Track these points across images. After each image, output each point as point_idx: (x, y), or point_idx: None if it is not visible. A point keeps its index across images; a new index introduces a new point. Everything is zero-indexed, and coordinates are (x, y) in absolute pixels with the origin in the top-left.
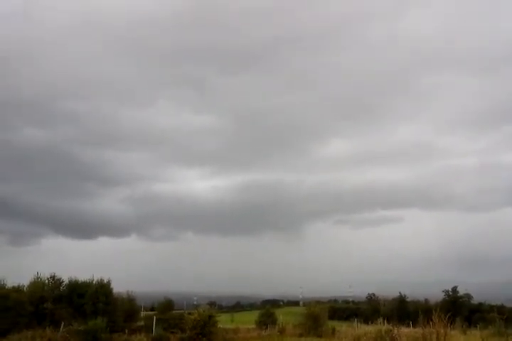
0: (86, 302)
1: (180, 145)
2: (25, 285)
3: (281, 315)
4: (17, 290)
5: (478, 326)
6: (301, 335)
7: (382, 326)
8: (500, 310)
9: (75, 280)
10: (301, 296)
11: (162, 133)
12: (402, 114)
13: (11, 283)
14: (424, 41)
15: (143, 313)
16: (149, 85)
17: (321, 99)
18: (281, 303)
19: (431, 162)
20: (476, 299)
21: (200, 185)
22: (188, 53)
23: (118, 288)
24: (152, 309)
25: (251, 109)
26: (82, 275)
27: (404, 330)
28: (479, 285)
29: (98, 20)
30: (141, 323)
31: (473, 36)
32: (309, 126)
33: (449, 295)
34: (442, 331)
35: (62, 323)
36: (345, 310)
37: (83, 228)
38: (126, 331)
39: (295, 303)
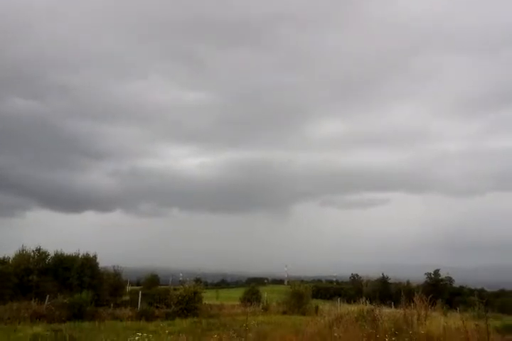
0: (72, 275)
1: (170, 121)
2: (11, 257)
3: (265, 293)
4: (2, 262)
5: (458, 309)
6: (284, 313)
7: (364, 306)
8: (481, 293)
9: (61, 254)
10: (286, 275)
11: (153, 108)
12: (394, 95)
13: None
14: (421, 22)
15: (128, 288)
16: (142, 59)
17: (315, 78)
18: (266, 281)
19: (421, 145)
20: (457, 283)
21: (188, 161)
22: (183, 27)
23: (104, 262)
24: (138, 284)
25: (244, 86)
26: (68, 249)
27: (386, 310)
28: (462, 270)
29: None
30: (127, 298)
31: (472, 17)
32: (302, 105)
33: (430, 278)
34: (423, 312)
35: (48, 296)
36: (328, 290)
37: (69, 201)
38: (112, 305)
39: (280, 282)
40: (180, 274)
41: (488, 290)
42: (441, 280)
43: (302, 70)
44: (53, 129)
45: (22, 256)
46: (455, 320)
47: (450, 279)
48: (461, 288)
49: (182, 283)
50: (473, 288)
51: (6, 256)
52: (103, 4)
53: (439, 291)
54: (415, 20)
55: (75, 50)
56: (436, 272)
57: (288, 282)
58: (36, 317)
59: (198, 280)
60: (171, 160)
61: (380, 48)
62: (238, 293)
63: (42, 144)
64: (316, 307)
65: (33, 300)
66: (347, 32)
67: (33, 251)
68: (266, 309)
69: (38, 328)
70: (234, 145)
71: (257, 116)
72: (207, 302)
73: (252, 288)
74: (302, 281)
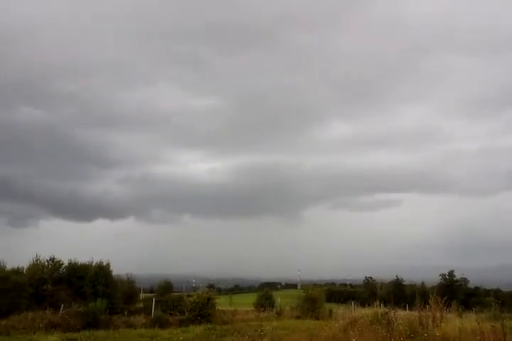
0: (85, 284)
1: (179, 127)
2: (25, 267)
3: (279, 298)
4: (17, 272)
5: (474, 310)
6: (298, 317)
7: (378, 309)
8: (497, 294)
9: (75, 263)
10: (299, 279)
11: (161, 115)
12: (403, 97)
13: (10, 264)
14: (428, 23)
15: (142, 295)
16: (149, 66)
17: (323, 80)
18: (280, 286)
19: (431, 146)
20: (472, 283)
21: (198, 167)
22: (188, 33)
23: (117, 270)
24: (151, 291)
25: (251, 90)
26: (81, 258)
27: (401, 313)
28: (476, 270)
29: None
30: (141, 305)
31: (477, 18)
32: (310, 107)
33: (445, 279)
34: (438, 314)
35: (62, 305)
36: (342, 293)
37: (81, 210)
38: (126, 313)
39: (293, 286)
40: (193, 280)
41: (504, 290)
42: (456, 281)
43: (310, 72)
44: (62, 138)
45: (36, 266)
46: (471, 321)
47: (465, 280)
48: (477, 288)
49: (195, 289)
50: (488, 288)
51: (21, 266)
52: (110, 10)
53: (454, 292)
54: (424, 20)
55: (82, 58)
56: (451, 273)
57: (301, 286)
58: (51, 327)
59: (211, 287)
60: (180, 166)
61: (387, 49)
62: (251, 298)
63: (51, 153)
64: (330, 311)
65: (48, 309)
66: (354, 33)
67: (47, 260)
68: (279, 314)
69: (53, 337)
70: (243, 150)
71: (266, 119)
72: (220, 308)
73: (266, 293)
74: (315, 285)
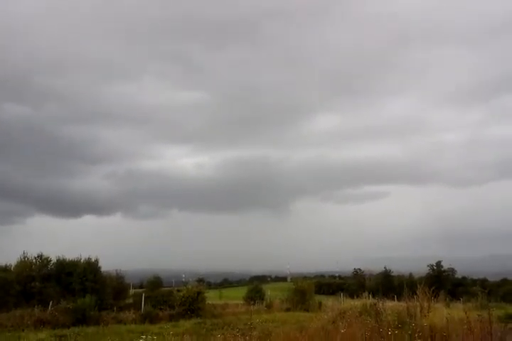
0: (74, 280)
1: (165, 122)
2: (13, 265)
3: (269, 291)
4: (4, 269)
5: (461, 299)
6: (288, 310)
7: (367, 300)
8: (483, 283)
9: (63, 259)
10: (288, 272)
11: (147, 110)
12: (390, 89)
13: None
14: (415, 13)
15: (132, 291)
16: (133, 61)
17: (310, 75)
18: (269, 279)
19: (418, 137)
20: (459, 273)
21: (185, 162)
22: (174, 27)
23: (106, 266)
24: (141, 287)
25: (238, 85)
26: (69, 254)
27: (389, 304)
28: (464, 260)
29: None
30: (130, 301)
31: (461, 10)
32: (297, 101)
33: (433, 270)
34: (426, 304)
35: (51, 302)
36: (331, 285)
37: (68, 206)
38: (115, 308)
39: (283, 279)
40: (183, 275)
41: (491, 280)
42: (444, 271)
43: (296, 67)
44: (48, 134)
45: (24, 263)
46: (458, 310)
47: (452, 270)
48: (464, 278)
49: (185, 284)
50: (475, 278)
51: (8, 264)
52: (92, 6)
53: (442, 282)
54: (410, 11)
55: (69, 54)
56: (439, 263)
57: (291, 279)
58: (40, 324)
59: (200, 281)
60: (167, 160)
61: (374, 41)
62: (241, 291)
63: (36, 149)
64: (320, 303)
65: (36, 306)
66: (341, 26)
67: (35, 257)
68: (269, 307)
69: (42, 334)
70: (230, 144)
71: (253, 114)
72: (210, 302)
73: (255, 286)
74: (305, 277)
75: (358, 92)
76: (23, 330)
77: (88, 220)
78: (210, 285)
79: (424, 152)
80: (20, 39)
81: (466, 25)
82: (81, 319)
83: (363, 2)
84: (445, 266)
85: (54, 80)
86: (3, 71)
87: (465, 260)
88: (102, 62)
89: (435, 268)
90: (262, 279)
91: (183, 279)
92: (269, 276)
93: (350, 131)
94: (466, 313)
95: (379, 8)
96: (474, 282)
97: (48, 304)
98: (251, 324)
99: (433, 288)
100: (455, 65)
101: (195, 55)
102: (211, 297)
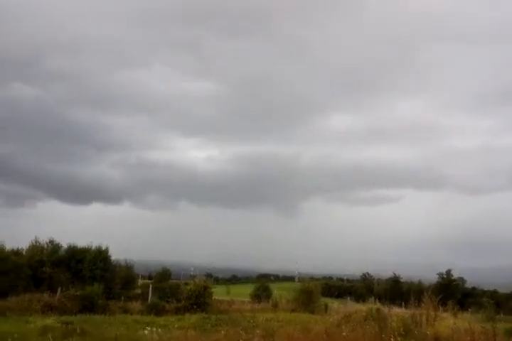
0: (84, 267)
1: (176, 112)
2: (24, 249)
3: (275, 290)
4: (16, 253)
5: (470, 310)
6: (293, 310)
7: (373, 305)
8: (493, 295)
9: (74, 246)
10: (296, 272)
11: (158, 98)
12: (403, 90)
13: (8, 245)
14: (429, 11)
15: (140, 281)
16: (145, 47)
17: (323, 70)
18: (277, 278)
19: (431, 141)
20: (470, 283)
21: (195, 154)
22: (187, 15)
23: (115, 255)
24: (150, 278)
25: (250, 76)
26: (78, 241)
27: (396, 310)
28: (474, 270)
29: None
30: (138, 291)
31: (485, 8)
32: (310, 97)
33: (442, 278)
34: (433, 312)
35: (60, 288)
36: (339, 288)
37: (76, 193)
38: (123, 298)
39: (291, 278)
40: (192, 268)
41: (501, 291)
42: (454, 280)
43: (310, 61)
44: (56, 117)
45: (35, 248)
46: (465, 321)
47: (462, 280)
48: (474, 289)
49: (193, 277)
50: (486, 289)
51: (20, 248)
52: None
53: (451, 292)
54: (425, 8)
55: (76, 35)
56: (449, 272)
57: (299, 279)
58: (48, 309)
59: (208, 276)
60: (177, 152)
61: (389, 40)
62: (249, 289)
63: (45, 132)
64: (326, 306)
65: (45, 292)
66: (355, 23)
67: (47, 242)
68: (275, 306)
69: (49, 320)
70: (241, 138)
71: (264, 107)
72: (217, 298)
73: (263, 284)
74: (312, 278)
75: (371, 91)
76: (30, 315)
77: (96, 208)
78: (218, 281)
79: (437, 157)
80: (32, 19)
81: (482, 27)
82: (88, 306)
83: (378, 1)
84: (455, 275)
85: (64, 61)
86: (13, 51)
87: (476, 269)
88: (113, 46)
89: (445, 276)
90: (269, 277)
91: (192, 273)
92: (277, 275)
93: (362, 131)
94: (469, 324)
95: (393, 8)
96: (484, 293)
97: (57, 290)
98: (254, 322)
99: (441, 296)
100: (472, 69)
101: (208, 44)
102: (218, 292)
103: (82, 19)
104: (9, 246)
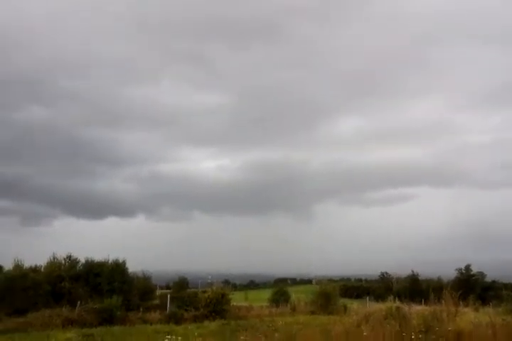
0: (102, 281)
1: (186, 125)
2: (43, 266)
3: (293, 293)
4: (34, 270)
5: (491, 304)
6: (312, 313)
7: (393, 303)
8: None
9: (91, 260)
10: (313, 275)
11: (168, 112)
12: (413, 90)
13: (27, 263)
14: (438, 10)
15: (158, 292)
16: (153, 62)
17: (331, 74)
18: (293, 282)
19: (442, 138)
20: (489, 277)
21: (207, 164)
22: (193, 28)
23: (132, 267)
24: (168, 288)
25: (258, 85)
26: (95, 255)
27: (416, 308)
28: (492, 263)
29: None
30: (157, 301)
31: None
32: (318, 102)
33: (462, 273)
34: (453, 308)
35: (79, 302)
36: (357, 289)
37: (92, 208)
38: (142, 309)
39: (308, 282)
40: (209, 276)
41: None
42: (473, 275)
43: (318, 66)
44: (68, 136)
45: (53, 264)
46: (486, 315)
47: (482, 274)
48: (494, 282)
49: (211, 285)
50: (506, 282)
51: (39, 265)
52: (113, 7)
53: (471, 287)
54: (433, 7)
55: (86, 54)
56: (468, 267)
57: (316, 282)
58: (68, 323)
59: (226, 282)
60: (189, 163)
61: (395, 42)
62: (267, 293)
63: (59, 151)
64: (345, 307)
65: (65, 306)
66: (362, 25)
67: (64, 258)
68: (294, 309)
69: (70, 333)
70: (251, 146)
71: (273, 114)
72: (235, 304)
73: (280, 288)
74: (330, 280)
75: (380, 93)
76: (51, 330)
77: (112, 222)
78: (236, 287)
79: (449, 154)
80: (43, 40)
81: (492, 21)
82: (108, 319)
83: (386, 0)
84: (474, 269)
85: (75, 81)
86: (25, 72)
87: (495, 263)
88: (123, 63)
89: (464, 271)
90: (287, 281)
91: (209, 280)
92: (295, 279)
93: (372, 133)
94: (490, 318)
95: (401, 7)
96: (505, 286)
97: (76, 304)
98: (273, 326)
99: (461, 292)
100: (481, 66)
101: (213, 56)
102: (236, 299)
103: (90, 37)
104: (28, 263)
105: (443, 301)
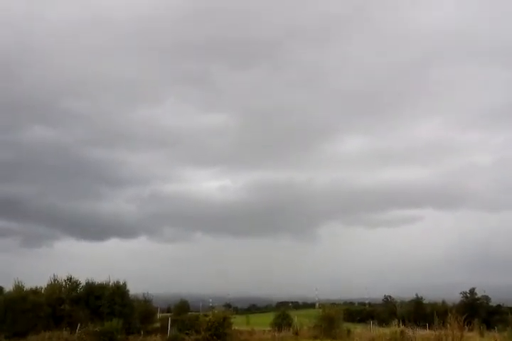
0: (103, 303)
1: (189, 145)
2: (43, 288)
3: (296, 317)
4: (35, 292)
5: (496, 328)
6: (315, 337)
7: (397, 328)
8: None
9: (92, 282)
10: (316, 298)
11: (171, 133)
12: (417, 109)
13: (28, 284)
14: (441, 30)
15: (159, 315)
16: (157, 83)
17: (333, 94)
18: (295, 305)
19: (447, 160)
20: (494, 301)
21: (210, 185)
22: (195, 49)
23: (133, 289)
24: (169, 311)
25: (261, 106)
26: (95, 277)
27: (420, 332)
28: (497, 288)
29: (99, 17)
30: (158, 325)
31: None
32: (321, 122)
33: (466, 297)
34: (458, 333)
35: (79, 324)
36: (360, 313)
37: (94, 229)
38: (142, 332)
39: (311, 305)
40: (210, 300)
41: None
42: (478, 299)
43: (319, 87)
44: (72, 157)
45: (54, 286)
46: (492, 339)
47: (487, 298)
48: (499, 306)
49: (212, 308)
50: (511, 306)
51: (39, 287)
52: (114, 28)
53: (476, 311)
54: (436, 26)
55: (89, 75)
56: (472, 291)
57: (319, 305)
58: None
59: (227, 306)
60: (191, 183)
61: (399, 60)
62: (269, 317)
63: (62, 172)
64: (348, 331)
65: (65, 329)
66: (364, 44)
67: (65, 280)
68: (297, 333)
69: None
70: (253, 167)
71: (276, 135)
72: (237, 328)
73: (283, 312)
74: (333, 304)
75: (383, 113)
76: None
77: (114, 243)
78: (238, 311)
79: (453, 175)
80: (46, 60)
81: (496, 41)
82: None
83: (387, 19)
84: (479, 293)
85: (79, 102)
86: (30, 93)
87: (500, 287)
88: (125, 84)
89: (468, 295)
90: (289, 305)
91: (211, 304)
92: (297, 302)
93: (375, 153)
94: None
95: (403, 25)
96: (510, 310)
97: (77, 327)
98: None
99: (465, 316)
100: (484, 85)
101: (216, 77)
102: (238, 322)
103: (94, 59)
104: (28, 285)
105: (448, 325)
